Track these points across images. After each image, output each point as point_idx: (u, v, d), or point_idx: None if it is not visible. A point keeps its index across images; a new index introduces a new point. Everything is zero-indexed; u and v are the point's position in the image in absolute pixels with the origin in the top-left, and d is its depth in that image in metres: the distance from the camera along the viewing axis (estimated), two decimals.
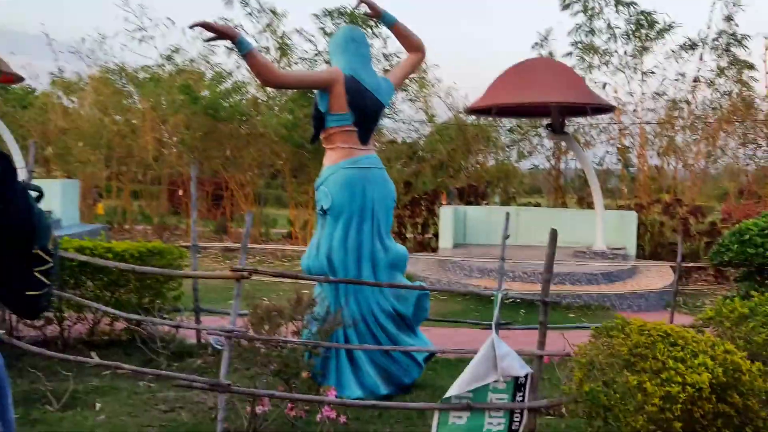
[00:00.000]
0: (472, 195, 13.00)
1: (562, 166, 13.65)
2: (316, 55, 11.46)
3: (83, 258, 3.71)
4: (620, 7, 12.27)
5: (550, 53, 13.28)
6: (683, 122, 11.85)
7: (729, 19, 11.60)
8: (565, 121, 8.81)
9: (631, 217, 9.51)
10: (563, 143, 11.17)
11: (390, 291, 3.58)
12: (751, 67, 11.58)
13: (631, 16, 12.24)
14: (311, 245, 3.73)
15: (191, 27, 3.08)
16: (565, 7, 12.81)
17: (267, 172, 13.00)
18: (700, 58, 12.01)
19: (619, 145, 13.30)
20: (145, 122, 12.29)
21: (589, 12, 12.57)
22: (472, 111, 9.49)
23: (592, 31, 12.61)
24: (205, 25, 3.05)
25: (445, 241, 9.93)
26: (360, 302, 3.54)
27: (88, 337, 4.40)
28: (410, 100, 12.48)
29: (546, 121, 9.01)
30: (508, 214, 4.17)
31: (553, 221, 10.29)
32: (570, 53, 12.75)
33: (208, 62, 12.39)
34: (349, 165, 3.60)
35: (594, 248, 8.95)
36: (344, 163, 3.60)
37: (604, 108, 8.44)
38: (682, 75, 12.06)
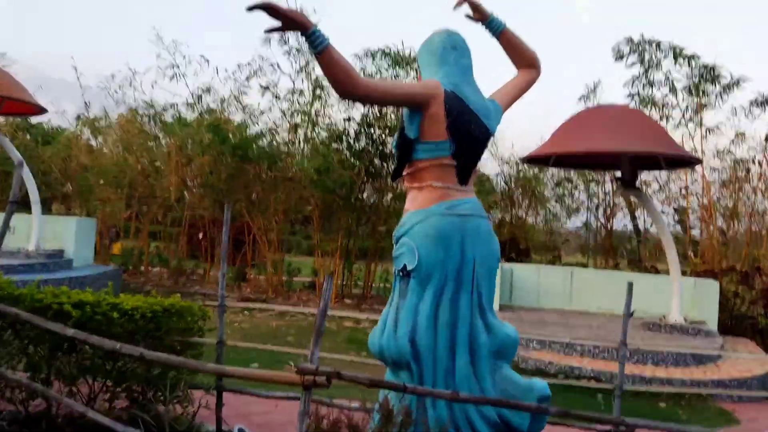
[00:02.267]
0: (513, 251, 12.07)
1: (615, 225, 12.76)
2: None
3: (70, 332, 2.84)
4: (680, 59, 11.60)
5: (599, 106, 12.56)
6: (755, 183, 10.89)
7: None
8: (638, 175, 7.90)
9: (712, 287, 8.44)
10: (634, 199, 10.25)
11: (495, 389, 2.60)
12: None
13: (692, 69, 11.54)
14: (384, 318, 2.79)
15: (249, 9, 2.25)
16: (619, 57, 12.19)
17: (294, 218, 12.20)
18: None
19: (677, 206, 12.38)
20: (170, 161, 11.66)
21: (646, 64, 11.91)
22: (529, 160, 8.65)
23: (650, 83, 11.91)
24: (269, 8, 2.22)
25: None
26: (453, 404, 2.55)
27: (81, 418, 3.47)
28: None
29: (617, 174, 8.11)
30: (630, 283, 3.18)
31: (610, 285, 9.35)
32: (626, 106, 12.01)
33: (239, 102, 11.81)
34: (445, 211, 2.67)
35: (669, 320, 7.88)
36: (437, 208, 2.67)
37: (685, 161, 7.53)
38: (742, 134, 11.26)
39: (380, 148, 10.63)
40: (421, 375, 2.59)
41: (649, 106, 11.79)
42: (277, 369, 5.62)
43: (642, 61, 11.93)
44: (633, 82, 11.98)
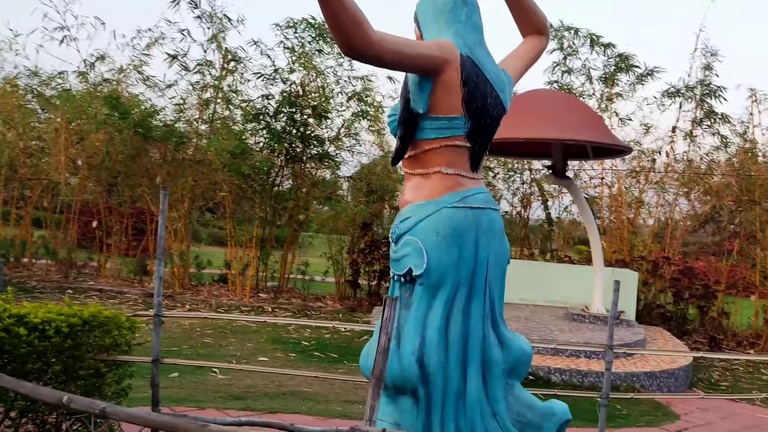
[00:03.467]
0: None
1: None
2: (274, 72, 10.18)
3: None
4: (597, 48, 11.97)
5: (514, 92, 12.76)
6: (661, 174, 11.47)
7: (708, 68, 11.45)
8: (567, 164, 8.00)
9: (630, 277, 8.76)
10: (557, 188, 10.44)
11: (509, 411, 2.30)
12: (727, 120, 11.43)
13: (609, 58, 11.94)
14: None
15: None
16: None
17: (204, 205, 11.44)
18: (680, 107, 11.80)
19: (587, 196, 12.85)
20: (57, 138, 10.51)
21: (566, 51, 12.19)
22: None
23: (569, 71, 12.21)
24: None
25: None
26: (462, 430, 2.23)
27: None
28: (370, 129, 11.40)
29: (547, 163, 8.19)
30: (617, 282, 3.05)
31: (531, 276, 9.53)
32: (564, 92, 12.25)
33: (140, 72, 10.83)
34: (457, 202, 2.27)
35: (592, 310, 8.10)
36: (449, 199, 2.27)
37: (616, 150, 7.70)
38: (650, 125, 11.84)
39: (302, 129, 10.15)
40: (429, 401, 2.23)
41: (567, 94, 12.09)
42: (198, 377, 5.13)
43: (561, 48, 12.20)
44: (553, 69, 12.25)
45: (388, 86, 11.14)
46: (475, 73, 2.29)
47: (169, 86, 10.63)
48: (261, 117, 10.14)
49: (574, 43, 12.15)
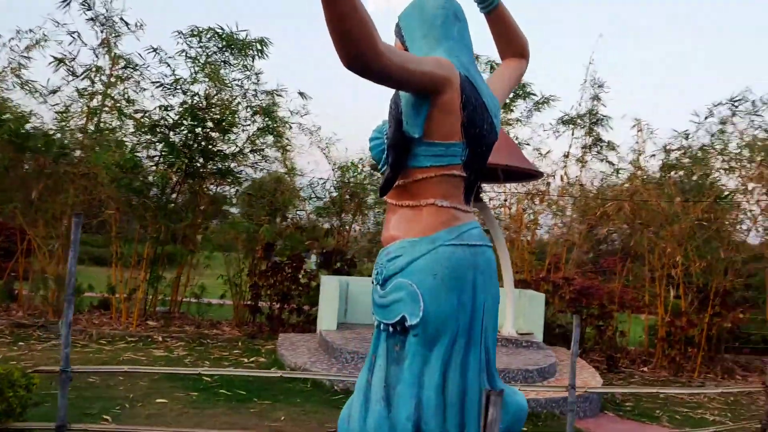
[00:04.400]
0: (337, 261, 11.76)
1: None
2: (174, 82, 9.50)
3: None
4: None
5: None
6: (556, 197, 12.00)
7: (596, 98, 12.17)
8: (480, 186, 8.06)
9: (537, 298, 8.96)
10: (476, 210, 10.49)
11: None
12: (613, 147, 12.18)
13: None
14: (363, 390, 2.10)
15: None
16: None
17: (88, 223, 10.42)
18: (572, 134, 12.42)
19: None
20: None
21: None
22: (374, 167, 8.38)
23: None
24: None
25: (329, 320, 8.47)
26: None
27: None
28: (276, 145, 10.95)
29: None
30: (578, 317, 2.96)
31: None
32: None
33: (18, 76, 9.72)
34: (454, 240, 2.05)
35: (503, 333, 8.18)
36: (446, 236, 2.04)
37: (526, 174, 7.85)
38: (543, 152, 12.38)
39: (204, 144, 9.54)
40: None
41: None
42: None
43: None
44: None
45: (296, 101, 10.83)
46: (474, 96, 2.09)
47: (53, 92, 9.61)
48: (158, 129, 9.42)
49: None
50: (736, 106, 10.45)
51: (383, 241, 2.20)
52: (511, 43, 2.47)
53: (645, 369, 9.81)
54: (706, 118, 10.65)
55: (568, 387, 3.02)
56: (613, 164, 12.10)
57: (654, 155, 11.20)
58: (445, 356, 2.02)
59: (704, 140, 10.77)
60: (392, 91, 2.12)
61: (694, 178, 10.73)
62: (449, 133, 2.05)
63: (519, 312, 8.76)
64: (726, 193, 10.22)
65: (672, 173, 10.98)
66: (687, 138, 10.82)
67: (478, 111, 2.09)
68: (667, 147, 11.01)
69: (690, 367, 9.72)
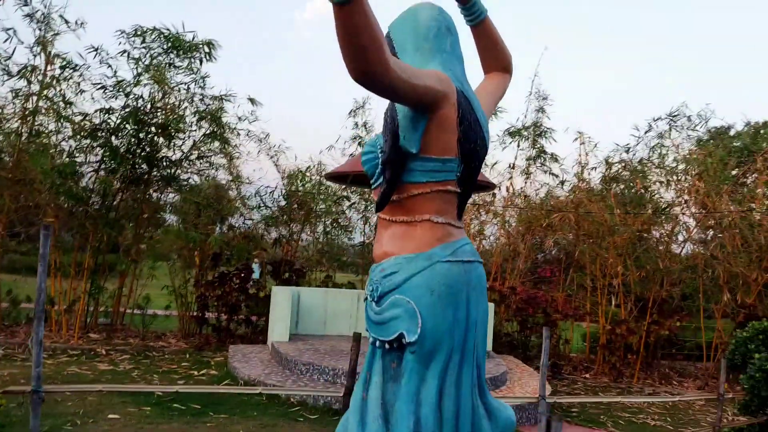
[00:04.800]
0: (286, 271, 11.67)
1: None
2: (117, 84, 9.21)
3: None
4: None
5: (365, 123, 12.98)
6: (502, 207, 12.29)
7: (541, 110, 12.55)
8: None
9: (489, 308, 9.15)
10: None
11: None
12: (556, 159, 12.60)
13: None
14: (359, 408, 2.10)
15: None
16: None
17: (23, 231, 9.97)
18: (518, 146, 12.77)
19: None
20: None
21: None
22: (330, 177, 8.39)
23: None
24: None
25: (280, 331, 8.41)
26: None
27: None
28: (222, 151, 10.78)
29: None
30: (548, 329, 3.08)
31: None
32: None
33: None
34: (450, 256, 2.07)
35: None
36: (441, 253, 2.06)
37: (480, 186, 8.04)
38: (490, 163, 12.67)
39: (148, 149, 9.28)
40: None
41: None
42: None
43: None
44: None
45: (245, 107, 10.70)
46: (468, 111, 2.11)
47: None
48: (98, 133, 9.10)
49: None
50: (674, 121, 11.04)
51: (376, 257, 2.20)
52: (497, 57, 2.49)
53: (587, 375, 10.18)
54: (645, 132, 11.19)
55: (539, 397, 3.13)
56: (557, 176, 12.54)
57: (595, 168, 11.69)
58: (441, 373, 2.05)
59: (643, 154, 11.33)
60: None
61: (634, 190, 11.23)
62: (446, 149, 2.07)
63: None
64: (664, 205, 10.75)
65: (613, 186, 11.46)
66: (627, 151, 11.35)
67: (473, 126, 2.12)
68: (609, 160, 11.50)
69: (629, 373, 10.15)
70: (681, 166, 11.10)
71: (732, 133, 17.41)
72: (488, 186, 8.08)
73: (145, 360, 8.18)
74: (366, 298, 2.21)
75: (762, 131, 17.32)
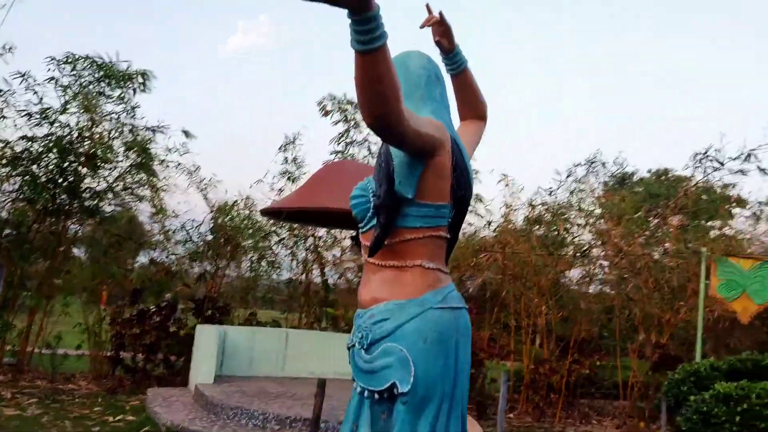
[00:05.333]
0: (209, 308, 11.31)
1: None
2: (42, 111, 8.74)
3: None
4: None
5: (294, 158, 12.96)
6: None
7: None
8: None
9: None
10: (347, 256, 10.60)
11: None
12: (480, 200, 12.99)
13: None
14: None
15: None
16: (325, 114, 12.83)
17: None
18: None
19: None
20: None
21: (350, 123, 12.80)
22: (265, 213, 8.26)
23: (352, 143, 12.80)
24: None
25: (205, 373, 8.08)
26: None
27: None
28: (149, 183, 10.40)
29: (352, 233, 8.32)
30: (506, 373, 3.13)
31: (323, 348, 9.47)
32: (329, 162, 12.66)
33: None
34: (441, 303, 2.07)
35: None
36: (432, 299, 2.06)
37: None
38: None
39: (70, 179, 8.81)
40: None
41: None
42: None
43: (346, 120, 12.79)
44: (338, 140, 12.73)
45: (176, 139, 10.36)
46: (460, 159, 2.17)
47: None
48: (19, 162, 8.59)
49: (355, 117, 12.86)
50: (592, 167, 11.71)
51: (363, 303, 2.18)
52: (475, 105, 2.57)
53: (511, 415, 10.35)
54: (567, 177, 11.78)
55: None
56: (482, 216, 12.90)
57: (517, 210, 12.12)
58: (432, 423, 2.02)
59: (564, 197, 11.88)
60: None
61: (556, 232, 11.72)
62: (440, 195, 2.10)
63: None
64: (584, 247, 11.26)
65: (536, 227, 11.92)
66: (550, 194, 11.87)
67: (464, 173, 2.18)
68: (532, 202, 11.98)
69: (551, 413, 10.40)
70: (597, 210, 11.73)
71: (635, 179, 18.68)
72: None
73: (55, 404, 7.63)
74: (352, 346, 2.17)
75: (662, 177, 18.65)
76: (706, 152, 11.89)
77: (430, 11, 2.40)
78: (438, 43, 2.45)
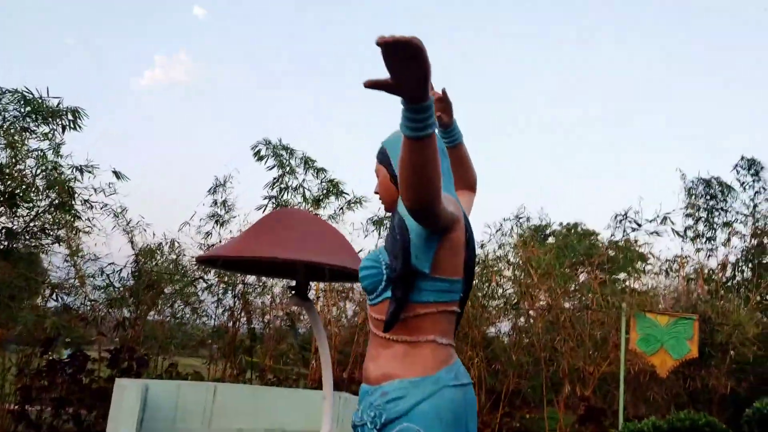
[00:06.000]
0: (126, 359, 10.62)
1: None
2: None
3: None
4: (311, 170, 12.78)
5: (224, 201, 12.67)
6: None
7: None
8: (309, 285, 8.04)
9: (352, 401, 8.96)
10: (299, 309, 10.30)
11: None
12: None
13: (321, 181, 12.82)
14: None
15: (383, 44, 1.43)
16: (259, 158, 12.64)
17: None
18: (379, 235, 13.12)
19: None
20: None
21: (285, 168, 12.67)
22: (201, 261, 7.89)
23: (287, 189, 12.64)
24: (411, 47, 1.44)
25: (127, 431, 7.50)
26: None
27: None
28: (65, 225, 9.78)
29: (291, 283, 8.07)
30: None
31: (253, 403, 9.05)
32: (263, 207, 12.42)
33: None
34: (453, 380, 2.07)
35: None
36: (446, 377, 2.06)
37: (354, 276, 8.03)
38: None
39: None
40: None
41: None
42: None
43: (281, 165, 12.65)
44: (272, 185, 12.54)
45: (102, 178, 9.77)
46: (472, 233, 2.22)
47: None
48: None
49: (290, 163, 12.75)
50: (519, 221, 12.14)
51: (372, 379, 2.15)
52: (467, 178, 2.65)
53: None
54: (496, 231, 12.13)
55: None
56: None
57: None
58: None
59: (493, 250, 12.21)
60: None
61: (488, 284, 11.97)
62: (455, 270, 2.13)
63: (338, 415, 8.65)
64: (513, 300, 11.55)
65: None
66: (482, 247, 12.14)
67: (473, 248, 2.22)
68: None
69: None
70: (521, 263, 12.11)
71: (548, 231, 19.56)
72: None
73: None
74: (362, 424, 2.12)
75: (572, 230, 19.64)
76: (625, 213, 12.71)
77: (432, 88, 2.46)
78: (438, 118, 2.51)
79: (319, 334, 8.28)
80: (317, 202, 12.69)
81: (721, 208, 15.52)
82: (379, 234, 13.21)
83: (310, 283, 8.02)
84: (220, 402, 8.81)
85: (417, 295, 2.10)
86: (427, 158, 1.67)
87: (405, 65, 1.50)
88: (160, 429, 8.29)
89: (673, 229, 13.89)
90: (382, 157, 2.36)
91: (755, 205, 15.30)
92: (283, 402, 9.35)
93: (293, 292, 8.12)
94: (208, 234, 12.05)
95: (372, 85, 1.57)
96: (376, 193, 2.40)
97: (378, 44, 1.46)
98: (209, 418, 8.71)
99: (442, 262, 2.09)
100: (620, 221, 12.87)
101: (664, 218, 12.98)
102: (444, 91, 2.48)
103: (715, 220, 15.46)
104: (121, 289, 10.40)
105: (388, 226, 2.26)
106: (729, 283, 14.78)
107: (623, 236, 12.58)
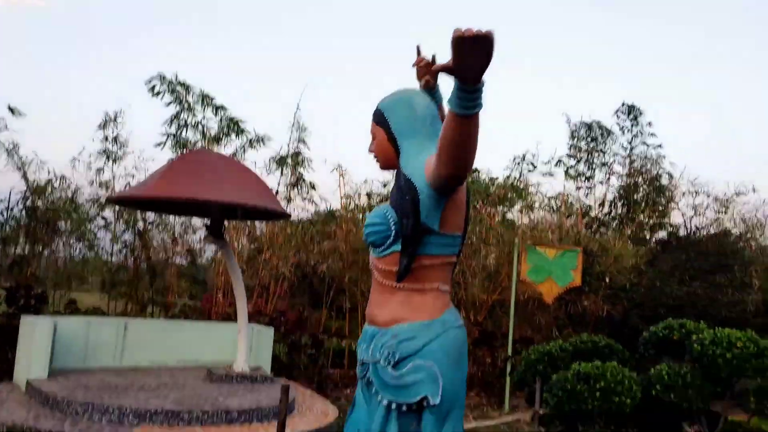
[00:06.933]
0: (24, 297, 10.31)
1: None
2: None
3: None
4: (210, 108, 12.53)
5: (116, 138, 12.26)
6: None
7: (302, 141, 13.25)
8: (224, 224, 8.19)
9: (267, 333, 9.35)
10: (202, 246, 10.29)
11: None
12: (313, 187, 13.39)
13: (221, 119, 12.62)
14: None
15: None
16: (155, 94, 12.19)
17: None
18: (281, 173, 13.23)
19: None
20: None
21: (183, 105, 12.33)
22: (115, 201, 7.77)
23: (185, 126, 12.35)
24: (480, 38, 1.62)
25: (38, 367, 7.49)
26: None
27: None
28: None
29: (206, 221, 8.18)
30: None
31: (164, 336, 9.20)
32: (161, 144, 12.12)
33: None
34: (455, 321, 2.36)
35: (235, 369, 8.36)
36: (450, 318, 2.33)
37: (274, 214, 8.26)
38: None
39: None
40: None
41: (182, 149, 12.18)
42: None
43: (179, 102, 12.30)
44: (170, 122, 12.20)
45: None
46: (468, 193, 2.45)
47: None
48: None
49: (188, 100, 12.41)
50: None
51: (380, 322, 2.38)
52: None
53: (348, 391, 10.98)
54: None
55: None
56: (317, 204, 13.33)
57: (349, 198, 12.70)
58: (454, 425, 2.29)
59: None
60: None
61: None
62: (457, 226, 2.36)
63: (233, 344, 8.97)
64: None
65: None
66: (384, 186, 12.63)
67: (470, 205, 2.49)
68: (369, 193, 12.67)
69: None
70: None
71: None
72: (282, 215, 8.39)
73: None
74: (375, 362, 2.36)
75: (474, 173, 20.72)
76: (523, 156, 13.62)
77: (419, 52, 2.71)
78: (426, 82, 2.70)
79: (233, 270, 8.53)
80: (217, 140, 12.52)
81: (601, 150, 16.90)
82: (281, 173, 13.25)
83: (224, 222, 8.17)
84: (132, 337, 8.89)
85: (423, 248, 2.31)
86: (470, 134, 1.87)
87: (477, 54, 1.67)
88: (71, 365, 8.29)
89: (565, 171, 15.06)
90: (380, 119, 2.49)
91: (632, 148, 16.78)
92: (196, 335, 9.56)
93: (208, 230, 8.26)
94: (99, 170, 11.69)
95: (440, 69, 1.77)
96: (371, 151, 2.53)
97: (457, 38, 1.63)
98: (121, 352, 8.80)
99: (447, 219, 2.30)
100: (518, 163, 13.81)
101: (558, 161, 14.02)
102: (434, 57, 2.64)
103: (595, 160, 16.84)
104: (15, 226, 9.97)
105: (393, 183, 2.47)
106: (606, 218, 16.33)
107: (520, 177, 13.50)
